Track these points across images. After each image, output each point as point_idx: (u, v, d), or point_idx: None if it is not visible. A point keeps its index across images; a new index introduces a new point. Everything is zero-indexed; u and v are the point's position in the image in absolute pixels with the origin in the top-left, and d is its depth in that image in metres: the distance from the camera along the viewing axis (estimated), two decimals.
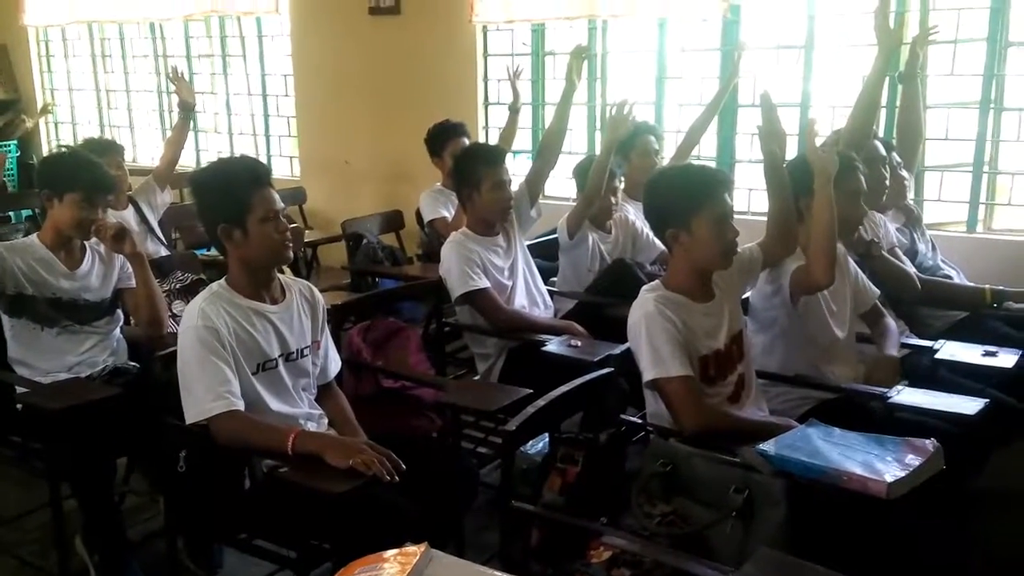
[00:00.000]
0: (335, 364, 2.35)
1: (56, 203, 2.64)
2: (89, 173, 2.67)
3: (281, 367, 2.15)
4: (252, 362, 2.09)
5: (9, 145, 6.96)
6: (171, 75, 4.29)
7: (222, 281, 2.14)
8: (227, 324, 2.04)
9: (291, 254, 2.17)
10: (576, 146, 4.75)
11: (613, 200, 3.40)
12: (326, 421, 2.25)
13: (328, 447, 1.93)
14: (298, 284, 2.28)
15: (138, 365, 2.77)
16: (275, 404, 2.12)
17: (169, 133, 6.65)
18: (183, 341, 2.04)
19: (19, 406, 2.53)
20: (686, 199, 2.14)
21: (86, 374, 2.64)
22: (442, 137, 4.04)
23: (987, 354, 2.48)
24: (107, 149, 3.71)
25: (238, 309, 2.08)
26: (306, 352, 2.22)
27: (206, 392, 1.98)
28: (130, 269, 2.73)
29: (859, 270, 2.67)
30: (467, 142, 3.97)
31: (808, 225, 2.39)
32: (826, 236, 2.28)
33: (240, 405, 2.01)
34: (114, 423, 2.36)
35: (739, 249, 2.23)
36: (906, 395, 2.25)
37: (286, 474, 1.93)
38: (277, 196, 2.12)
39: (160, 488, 2.48)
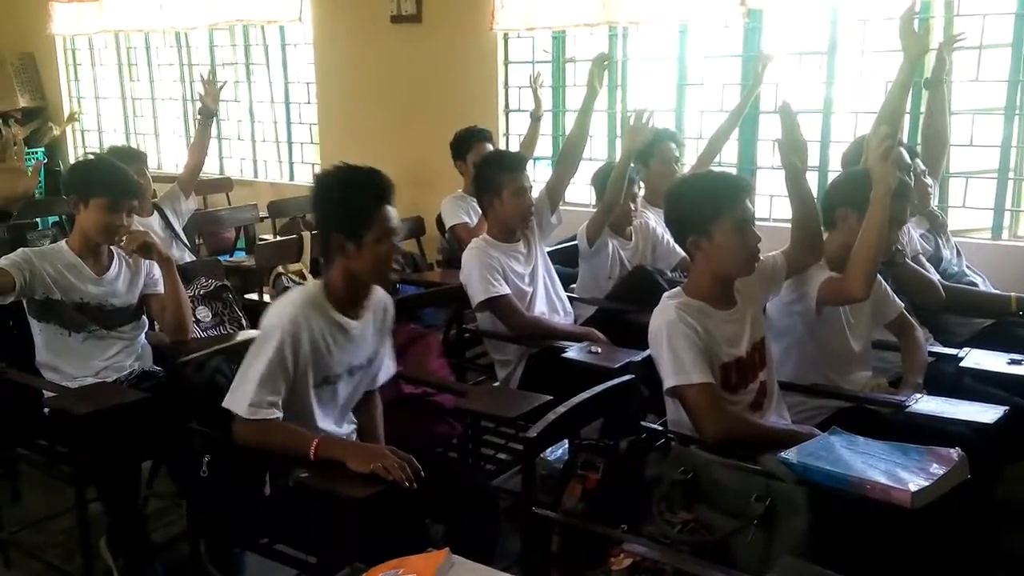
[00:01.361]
0: (386, 373, 2.35)
1: (83, 208, 2.68)
2: (114, 178, 2.71)
3: (342, 382, 2.17)
4: (319, 375, 2.10)
5: (36, 152, 7.06)
6: (205, 78, 4.30)
7: (320, 286, 2.12)
8: (311, 338, 2.03)
9: (395, 277, 2.19)
10: (596, 152, 4.75)
11: (633, 207, 3.40)
12: (354, 436, 2.27)
13: (350, 452, 1.95)
14: (377, 297, 2.24)
15: (163, 370, 2.80)
16: (322, 422, 2.14)
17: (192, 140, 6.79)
18: (267, 334, 2.03)
19: (46, 410, 2.57)
20: (707, 206, 2.14)
21: (112, 378, 2.67)
22: (467, 142, 4.06)
23: (1013, 362, 2.45)
24: (131, 157, 3.76)
25: (328, 322, 2.08)
26: (367, 364, 2.23)
27: (256, 395, 1.98)
28: (157, 275, 2.76)
29: (883, 280, 2.65)
30: (491, 148, 3.99)
31: (838, 235, 2.37)
32: (874, 250, 2.27)
33: (278, 415, 2.01)
34: (140, 427, 2.39)
35: (761, 256, 2.22)
36: (924, 404, 2.23)
37: (308, 479, 1.94)
38: (396, 216, 2.12)
39: (183, 492, 2.50)
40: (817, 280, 2.38)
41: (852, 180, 2.43)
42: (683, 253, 2.36)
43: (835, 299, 2.37)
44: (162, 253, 2.72)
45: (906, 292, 2.78)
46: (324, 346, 2.07)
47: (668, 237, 3.35)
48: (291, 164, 6.34)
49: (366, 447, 2.04)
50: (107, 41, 7.22)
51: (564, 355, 2.71)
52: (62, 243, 2.76)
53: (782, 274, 2.36)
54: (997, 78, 3.80)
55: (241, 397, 1.99)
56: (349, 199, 2.06)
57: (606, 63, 3.41)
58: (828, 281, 2.37)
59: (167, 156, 7.15)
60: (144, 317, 2.83)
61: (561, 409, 1.93)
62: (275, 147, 6.40)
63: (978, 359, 2.51)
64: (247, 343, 2.11)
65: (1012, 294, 3.07)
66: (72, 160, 7.30)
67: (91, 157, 4.15)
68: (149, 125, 7.22)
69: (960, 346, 2.71)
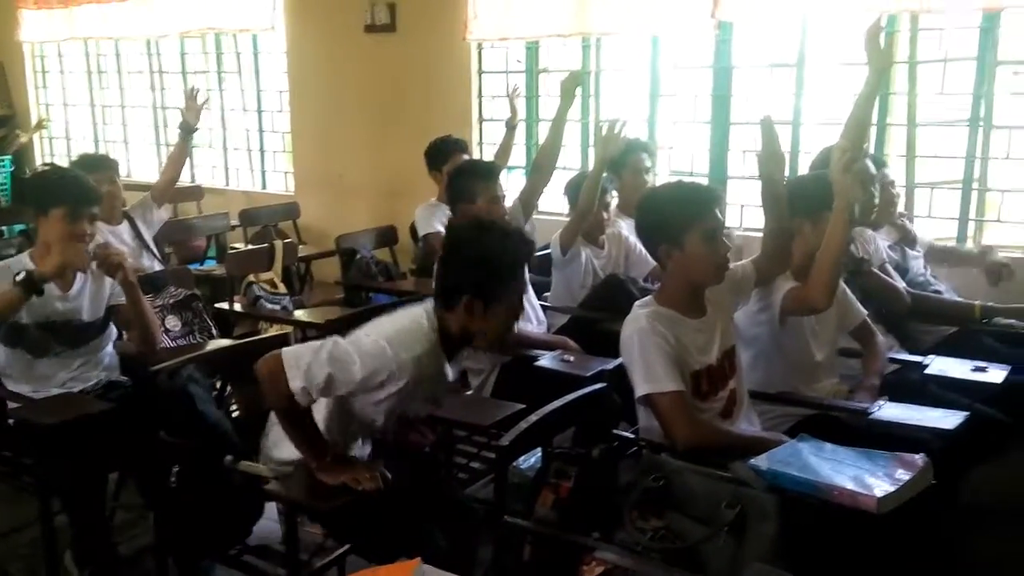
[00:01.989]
0: None
1: (43, 220, 2.62)
2: (72, 186, 2.64)
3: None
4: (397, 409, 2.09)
5: (3, 160, 6.96)
6: (188, 92, 4.20)
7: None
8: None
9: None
10: (569, 162, 4.77)
11: (606, 216, 3.42)
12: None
13: (324, 469, 1.94)
14: None
15: (130, 380, 2.76)
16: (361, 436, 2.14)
17: (165, 148, 6.73)
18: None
19: (11, 421, 2.52)
20: (678, 216, 2.16)
21: (78, 389, 2.63)
22: (444, 152, 4.05)
23: (977, 369, 2.49)
24: (101, 164, 3.71)
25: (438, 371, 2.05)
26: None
27: (326, 379, 1.88)
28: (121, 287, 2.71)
29: (846, 288, 2.68)
30: (467, 158, 3.99)
31: (798, 244, 2.40)
32: (834, 261, 2.30)
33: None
34: (106, 439, 2.35)
35: (731, 265, 2.25)
36: (887, 410, 2.26)
37: (279, 490, 1.93)
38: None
39: (151, 504, 2.47)
40: (781, 290, 2.41)
41: (802, 189, 2.46)
42: (655, 262, 2.38)
43: (798, 308, 2.40)
44: (128, 276, 2.63)
45: (872, 300, 2.82)
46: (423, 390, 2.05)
47: (641, 246, 3.37)
48: (263, 172, 6.31)
49: (336, 465, 2.01)
50: (76, 48, 7.14)
51: (537, 364, 2.71)
52: (23, 257, 2.67)
53: (751, 283, 2.39)
54: (962, 91, 3.87)
55: (315, 368, 1.85)
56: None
57: (579, 82, 3.42)
58: (792, 290, 2.40)
59: (137, 164, 7.08)
60: (112, 327, 2.79)
61: (533, 418, 1.94)
62: (247, 155, 6.36)
63: (943, 366, 2.55)
64: (218, 352, 2.10)
65: (976, 302, 3.13)
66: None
67: (47, 167, 4.09)
68: (119, 133, 7.15)
69: (925, 353, 2.75)
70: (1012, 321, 3.02)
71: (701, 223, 2.14)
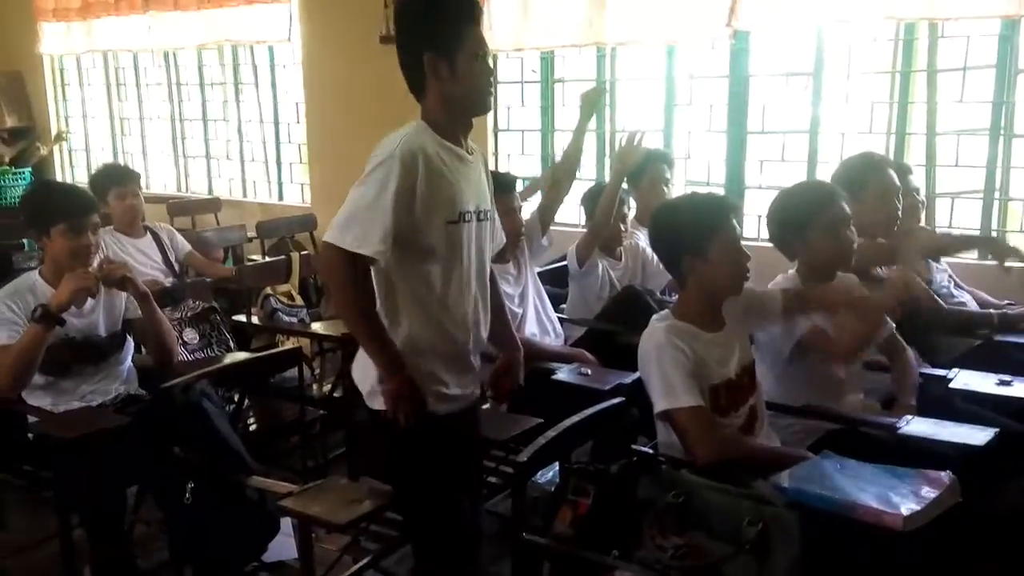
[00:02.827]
0: None
1: (46, 240, 2.61)
2: (68, 200, 2.63)
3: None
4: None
5: (24, 172, 7.03)
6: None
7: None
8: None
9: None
10: (586, 173, 4.76)
11: (623, 227, 3.40)
12: None
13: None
14: None
15: (148, 393, 2.77)
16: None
17: (183, 160, 6.79)
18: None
19: (30, 435, 2.53)
20: (698, 226, 2.14)
21: (97, 402, 2.64)
22: None
23: (1002, 383, 2.45)
24: (127, 177, 3.75)
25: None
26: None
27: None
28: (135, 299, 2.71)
29: None
30: None
31: (801, 259, 2.46)
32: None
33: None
34: (125, 452, 2.36)
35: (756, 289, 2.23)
36: (915, 425, 2.23)
37: (293, 506, 1.92)
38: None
39: (166, 519, 2.47)
40: (805, 323, 2.39)
41: (785, 211, 2.49)
42: (672, 275, 2.36)
43: (818, 350, 2.39)
44: (139, 288, 2.63)
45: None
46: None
47: (657, 258, 3.35)
48: (280, 184, 6.33)
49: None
50: (95, 60, 7.21)
51: (554, 377, 2.70)
52: (34, 276, 2.66)
53: (775, 312, 2.34)
54: (982, 99, 3.83)
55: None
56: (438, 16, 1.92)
57: (601, 97, 3.38)
58: (816, 332, 2.37)
59: (155, 176, 7.13)
60: (130, 341, 2.80)
61: (551, 433, 1.92)
62: (264, 167, 6.39)
63: (967, 380, 2.51)
64: (234, 366, 2.10)
65: (993, 312, 3.09)
66: (59, 180, 7.28)
67: (36, 187, 4.04)
68: (137, 145, 7.20)
69: (949, 366, 2.71)
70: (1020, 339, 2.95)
71: (722, 232, 2.13)
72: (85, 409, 2.56)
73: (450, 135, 1.97)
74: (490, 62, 1.98)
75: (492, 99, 2.00)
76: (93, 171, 4.26)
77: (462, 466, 2.04)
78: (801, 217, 2.42)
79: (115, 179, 3.76)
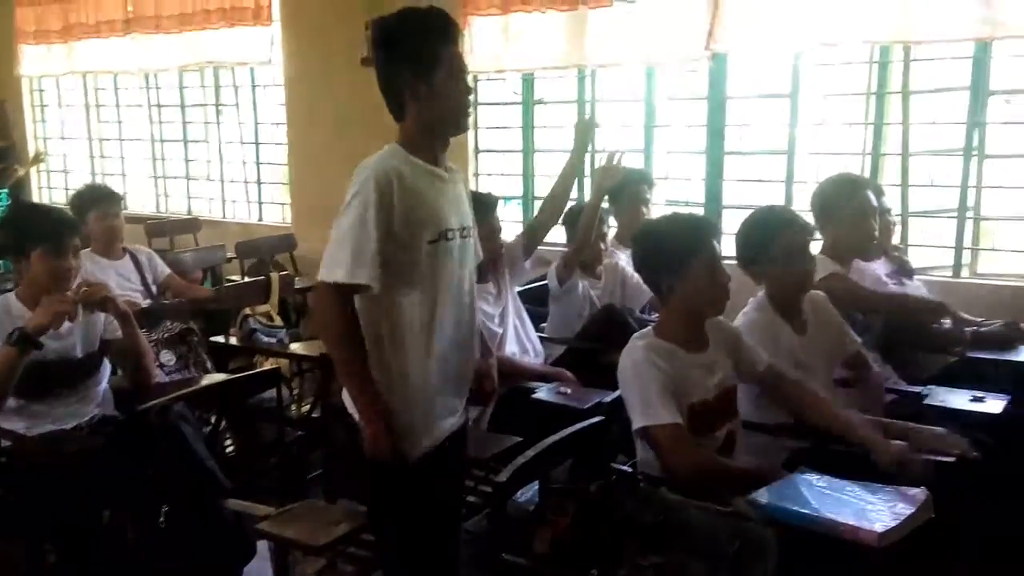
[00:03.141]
0: None
1: (25, 263, 2.56)
2: (47, 222, 2.59)
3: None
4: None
5: (0, 193, 6.96)
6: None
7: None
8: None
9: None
10: None
11: (603, 246, 3.42)
12: None
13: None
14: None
15: (123, 415, 2.73)
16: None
17: (163, 181, 6.76)
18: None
19: (2, 459, 2.49)
20: (680, 247, 2.16)
21: (72, 424, 2.60)
22: None
23: (975, 399, 2.48)
24: (109, 198, 3.72)
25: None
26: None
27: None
28: (115, 320, 2.68)
29: (842, 320, 2.66)
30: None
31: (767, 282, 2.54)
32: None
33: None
34: (99, 475, 2.32)
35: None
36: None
37: (270, 529, 1.91)
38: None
39: (141, 543, 2.43)
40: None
41: (748, 238, 2.57)
42: (653, 294, 2.37)
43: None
44: (119, 307, 2.59)
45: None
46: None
47: (637, 277, 3.36)
48: (260, 204, 6.32)
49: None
50: (74, 82, 7.18)
51: (534, 396, 2.70)
52: (9, 298, 2.60)
53: (755, 375, 2.34)
54: (955, 120, 3.89)
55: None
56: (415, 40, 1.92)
57: (592, 130, 3.38)
58: (790, 382, 2.37)
59: (134, 197, 7.08)
60: (106, 362, 2.76)
61: (531, 453, 1.92)
62: (244, 187, 6.37)
63: (941, 397, 2.53)
64: (211, 387, 2.08)
65: (968, 329, 3.12)
66: (36, 201, 7.21)
67: (17, 208, 3.96)
68: (117, 166, 7.16)
69: (924, 383, 2.73)
70: (994, 355, 2.97)
71: (703, 253, 2.15)
72: (57, 432, 2.51)
73: (427, 154, 1.97)
74: (469, 82, 1.99)
75: (469, 120, 2.00)
76: (72, 192, 4.22)
77: (442, 492, 2.02)
78: (757, 246, 2.51)
79: (97, 200, 3.73)
